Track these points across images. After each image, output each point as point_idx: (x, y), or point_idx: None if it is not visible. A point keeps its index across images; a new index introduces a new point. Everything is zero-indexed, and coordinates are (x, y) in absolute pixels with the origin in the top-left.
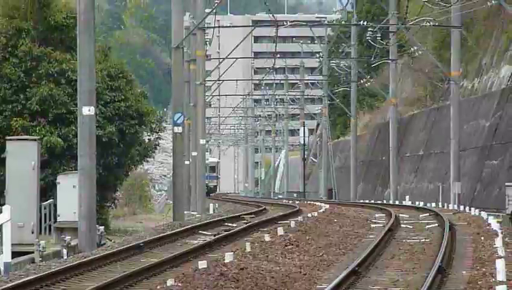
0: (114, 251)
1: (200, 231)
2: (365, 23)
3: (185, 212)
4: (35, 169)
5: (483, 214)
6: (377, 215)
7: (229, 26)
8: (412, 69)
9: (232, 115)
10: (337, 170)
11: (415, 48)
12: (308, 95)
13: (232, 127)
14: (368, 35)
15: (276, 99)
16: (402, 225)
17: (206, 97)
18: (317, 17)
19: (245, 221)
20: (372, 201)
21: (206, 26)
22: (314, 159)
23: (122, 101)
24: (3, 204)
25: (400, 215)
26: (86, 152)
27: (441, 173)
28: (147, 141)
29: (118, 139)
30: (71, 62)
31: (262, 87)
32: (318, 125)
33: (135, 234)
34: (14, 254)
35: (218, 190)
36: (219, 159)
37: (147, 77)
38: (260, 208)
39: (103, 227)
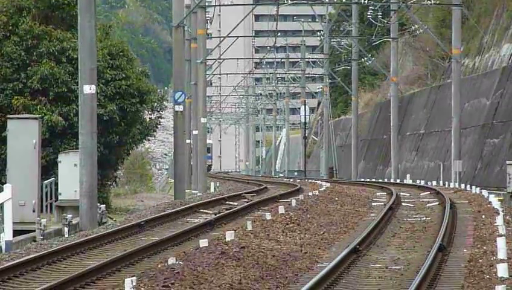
0: (115, 229)
1: (201, 210)
2: (366, 1)
3: (186, 190)
4: (36, 148)
5: (484, 193)
6: (377, 193)
7: (230, 5)
8: (413, 48)
9: (233, 93)
10: (338, 148)
11: (416, 26)
12: (309, 74)
13: (233, 106)
14: (368, 13)
15: (277, 77)
16: (403, 204)
17: (207, 76)
18: None
19: (246, 199)
20: (373, 179)
21: (206, 4)
22: (315, 138)
23: (123, 80)
24: (5, 183)
25: (401, 193)
26: (87, 131)
27: (441, 152)
28: (148, 119)
29: (119, 117)
30: (72, 41)
31: (263, 66)
32: (319, 103)
33: (136, 213)
34: (16, 233)
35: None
36: (220, 138)
37: (148, 55)
38: (261, 187)
39: (104, 205)
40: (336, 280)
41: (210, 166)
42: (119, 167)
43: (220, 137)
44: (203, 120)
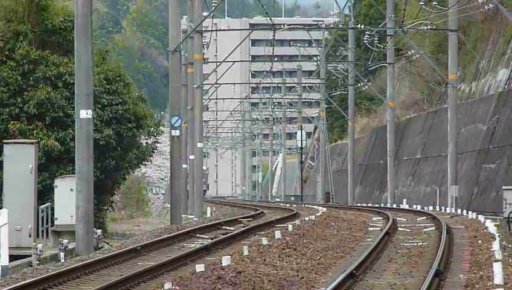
0: (111, 254)
1: (198, 235)
2: (362, 26)
3: (183, 215)
4: (32, 172)
5: (481, 218)
6: (374, 218)
7: (227, 30)
8: (409, 73)
9: (229, 118)
10: (334, 173)
11: (412, 51)
12: (305, 99)
13: (230, 131)
14: (365, 38)
15: (274, 102)
16: (399, 229)
17: (204, 100)
18: (314, 21)
19: (242, 224)
20: (370, 204)
21: (203, 29)
22: (311, 163)
23: (119, 105)
24: (1, 207)
25: (398, 218)
26: (83, 155)
27: (438, 177)
28: (144, 144)
29: (116, 142)
30: (68, 65)
31: (260, 91)
32: (316, 128)
33: (132, 238)
34: (12, 258)
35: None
36: (216, 163)
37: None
38: (257, 212)
39: (100, 230)
40: None
41: (205, 191)
42: (116, 192)
43: (217, 162)
44: (199, 145)
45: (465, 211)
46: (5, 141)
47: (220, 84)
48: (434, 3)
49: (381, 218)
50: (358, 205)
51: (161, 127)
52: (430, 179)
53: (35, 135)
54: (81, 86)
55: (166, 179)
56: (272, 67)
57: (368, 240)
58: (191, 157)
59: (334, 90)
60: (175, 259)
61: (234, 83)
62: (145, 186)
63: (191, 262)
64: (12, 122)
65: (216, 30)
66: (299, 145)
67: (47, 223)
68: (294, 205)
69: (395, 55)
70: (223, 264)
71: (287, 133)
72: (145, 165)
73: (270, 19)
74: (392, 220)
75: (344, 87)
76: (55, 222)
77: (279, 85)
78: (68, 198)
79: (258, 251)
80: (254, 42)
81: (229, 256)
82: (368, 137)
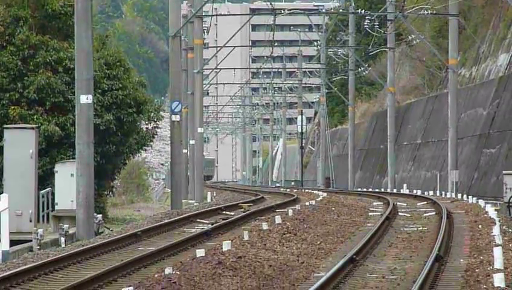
0: (112, 239)
1: (198, 220)
2: (363, 11)
3: (183, 200)
4: (33, 157)
5: (481, 202)
6: (374, 203)
7: (227, 15)
8: (410, 58)
9: (229, 103)
10: (334, 158)
11: (413, 36)
12: (306, 84)
13: (230, 116)
14: (365, 23)
15: (274, 87)
16: (400, 214)
17: (204, 86)
18: (315, 5)
19: (243, 209)
20: (370, 189)
21: (203, 14)
22: (312, 148)
23: (119, 90)
24: (1, 192)
25: (398, 203)
26: (83, 141)
27: (438, 161)
28: (144, 129)
29: (116, 127)
30: (69, 50)
31: (260, 76)
32: (316, 113)
33: (133, 223)
34: (12, 243)
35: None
36: (217, 148)
37: (145, 65)
38: (258, 197)
39: (101, 215)
40: None
41: (211, 177)
42: (116, 177)
43: (217, 147)
44: (200, 130)
45: (465, 196)
46: (5, 126)
47: (220, 69)
48: None
49: (381, 203)
50: (359, 190)
51: (161, 112)
52: (431, 164)
53: (35, 120)
54: (81, 71)
55: (167, 164)
56: (272, 52)
57: (368, 225)
58: (192, 142)
59: (335, 75)
60: (175, 244)
61: (234, 68)
62: (145, 171)
63: (192, 247)
64: (13, 107)
65: (216, 15)
66: (300, 130)
67: (47, 208)
68: (295, 190)
69: (396, 40)
70: (223, 249)
71: (287, 118)
72: (145, 150)
73: (271, 4)
74: (392, 205)
75: (344, 72)
76: (56, 207)
77: (279, 70)
78: (69, 183)
79: (258, 236)
80: (254, 27)
81: (230, 241)
82: (368, 122)
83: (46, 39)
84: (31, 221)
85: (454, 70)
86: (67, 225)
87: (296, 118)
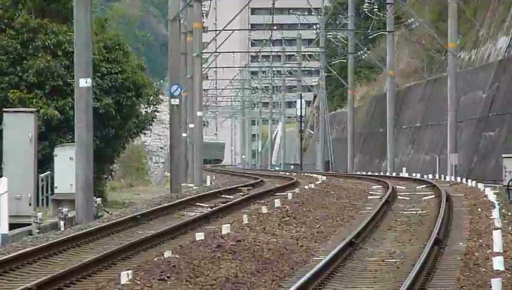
0: (111, 222)
1: (197, 203)
2: None
3: (182, 184)
4: (32, 141)
5: (480, 186)
6: (374, 187)
7: None
8: (409, 41)
9: (229, 87)
10: (334, 142)
11: (412, 19)
12: (305, 67)
13: (229, 99)
14: (365, 6)
15: (273, 71)
16: (399, 197)
17: (203, 69)
18: None
19: (242, 193)
20: (369, 173)
21: None
22: (311, 131)
23: (119, 73)
24: (1, 176)
25: (397, 187)
26: (83, 124)
27: (438, 145)
28: (143, 113)
29: (115, 111)
30: (68, 34)
31: (259, 59)
32: (315, 97)
33: (132, 206)
34: (12, 226)
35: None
36: (216, 132)
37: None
38: (257, 180)
39: (100, 199)
40: (331, 273)
41: (220, 160)
42: (115, 161)
43: (216, 130)
44: (199, 113)
45: (464, 179)
46: (4, 109)
47: (220, 52)
48: None
49: (380, 186)
50: (358, 173)
51: (160, 96)
52: (430, 147)
53: (34, 103)
54: (80, 55)
55: (166, 147)
56: (271, 36)
57: (368, 208)
58: (191, 126)
59: (334, 59)
60: (175, 227)
61: (234, 52)
62: (144, 155)
63: (191, 231)
64: (12, 90)
65: None
66: (299, 114)
67: (47, 192)
68: (294, 174)
69: (395, 24)
70: (222, 233)
71: (286, 102)
72: (144, 134)
73: None
74: (392, 188)
75: (344, 55)
76: (55, 191)
77: (278, 54)
78: (68, 167)
79: (257, 220)
80: (253, 11)
81: (229, 224)
82: (367, 105)
83: (46, 22)
84: (30, 204)
85: (453, 54)
86: (67, 209)
87: (295, 102)
